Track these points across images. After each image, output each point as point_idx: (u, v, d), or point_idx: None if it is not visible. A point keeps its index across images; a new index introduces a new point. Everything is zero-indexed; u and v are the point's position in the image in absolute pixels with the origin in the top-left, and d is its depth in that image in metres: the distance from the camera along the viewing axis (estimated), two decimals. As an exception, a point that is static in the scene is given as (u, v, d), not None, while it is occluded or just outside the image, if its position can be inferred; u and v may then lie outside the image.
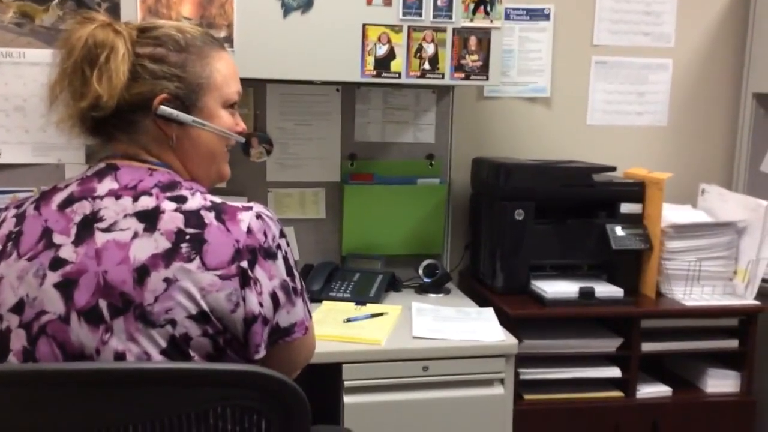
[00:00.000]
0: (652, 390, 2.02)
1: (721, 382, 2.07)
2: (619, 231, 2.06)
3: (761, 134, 2.43)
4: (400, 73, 1.93)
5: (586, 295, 1.98)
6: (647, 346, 2.00)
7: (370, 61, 1.91)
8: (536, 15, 2.34)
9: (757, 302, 2.06)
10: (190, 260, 0.98)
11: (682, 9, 2.42)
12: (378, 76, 1.92)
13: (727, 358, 2.08)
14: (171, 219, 1.01)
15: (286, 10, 1.85)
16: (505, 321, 1.89)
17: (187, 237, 1.00)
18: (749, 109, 2.43)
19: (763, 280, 2.16)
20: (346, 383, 1.69)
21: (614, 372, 1.99)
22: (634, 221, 2.09)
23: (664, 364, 2.19)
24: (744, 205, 2.17)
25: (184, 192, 1.07)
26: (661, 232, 2.09)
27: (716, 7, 2.45)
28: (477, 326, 1.85)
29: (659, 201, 2.09)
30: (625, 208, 2.09)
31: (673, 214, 2.15)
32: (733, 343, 2.06)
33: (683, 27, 2.43)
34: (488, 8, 1.93)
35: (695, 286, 2.10)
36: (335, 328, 1.81)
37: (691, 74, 2.47)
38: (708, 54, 2.47)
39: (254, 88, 2.18)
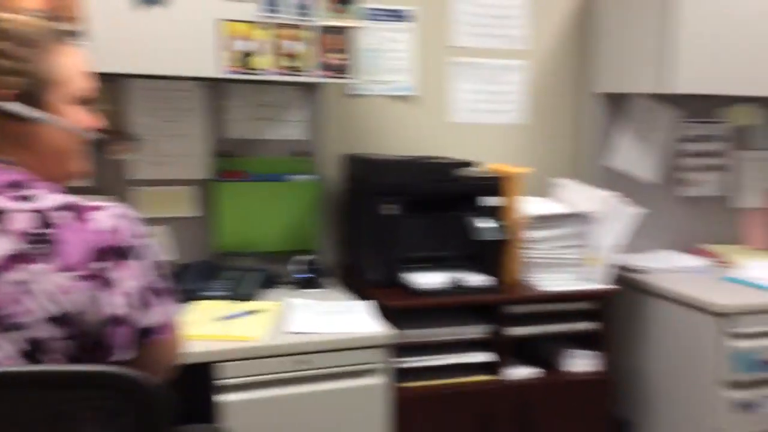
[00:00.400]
0: (521, 372, 2.13)
1: (582, 362, 2.21)
2: (481, 223, 2.15)
3: (604, 130, 2.62)
4: (263, 70, 1.92)
5: (457, 284, 2.06)
6: (514, 331, 2.11)
7: (232, 56, 1.89)
8: (399, 16, 2.41)
9: (610, 286, 2.22)
10: (43, 261, 0.95)
11: (533, 13, 2.57)
12: (240, 72, 1.90)
13: (587, 339, 2.22)
14: (22, 219, 0.97)
15: (142, 2, 1.80)
16: (382, 312, 1.93)
17: (41, 237, 0.96)
18: (593, 107, 2.61)
19: (618, 267, 2.35)
20: (224, 382, 1.67)
21: (486, 357, 2.08)
22: (495, 213, 2.19)
23: (532, 347, 2.31)
24: (596, 197, 2.34)
25: (37, 191, 1.02)
26: (521, 223, 2.21)
27: (564, 12, 2.63)
28: (353, 319, 1.88)
29: (519, 194, 2.22)
30: (487, 201, 2.19)
31: (532, 206, 2.28)
32: (591, 325, 2.21)
33: (535, 30, 2.58)
34: (347, 7, 1.96)
35: (553, 272, 2.24)
36: (211, 326, 1.77)
37: (542, 75, 2.63)
38: (558, 56, 2.64)
39: (115, 84, 2.09)
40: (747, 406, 2.09)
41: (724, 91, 2.36)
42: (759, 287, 2.24)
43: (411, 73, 2.46)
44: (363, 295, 2.09)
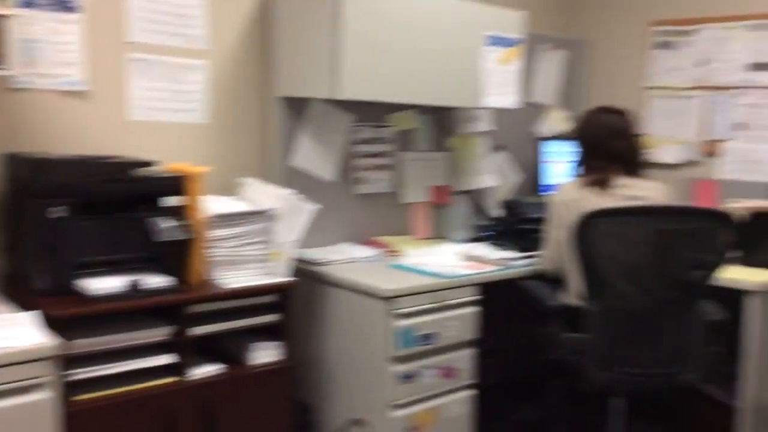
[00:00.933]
0: (205, 371, 2.15)
1: (266, 354, 2.30)
2: (162, 223, 2.12)
3: (288, 132, 2.76)
4: None
5: (135, 288, 2.01)
6: (198, 330, 2.13)
7: None
8: (65, 7, 2.25)
9: (290, 279, 2.35)
10: None
11: (212, 14, 2.59)
12: None
13: (272, 331, 2.32)
14: None
15: None
16: (51, 322, 1.81)
17: None
18: (277, 109, 2.73)
19: (299, 260, 2.49)
20: None
21: (169, 359, 2.06)
22: (176, 213, 2.17)
23: (218, 344, 2.34)
24: (277, 195, 2.45)
25: None
26: (204, 222, 2.23)
27: (243, 16, 2.69)
28: (12, 332, 1.72)
29: (201, 193, 2.23)
30: (168, 201, 2.17)
31: (216, 205, 2.31)
32: (274, 317, 2.31)
33: (215, 31, 2.61)
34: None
35: (238, 269, 2.29)
36: None
37: (226, 75, 2.67)
38: (240, 57, 2.69)
39: None
40: (409, 377, 2.37)
41: (385, 98, 2.63)
42: (419, 272, 2.55)
43: (82, 67, 2.32)
44: (28, 305, 1.92)
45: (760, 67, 3.18)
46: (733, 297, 2.54)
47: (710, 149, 3.35)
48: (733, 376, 2.65)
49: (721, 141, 3.31)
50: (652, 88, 3.56)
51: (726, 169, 3.28)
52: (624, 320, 2.29)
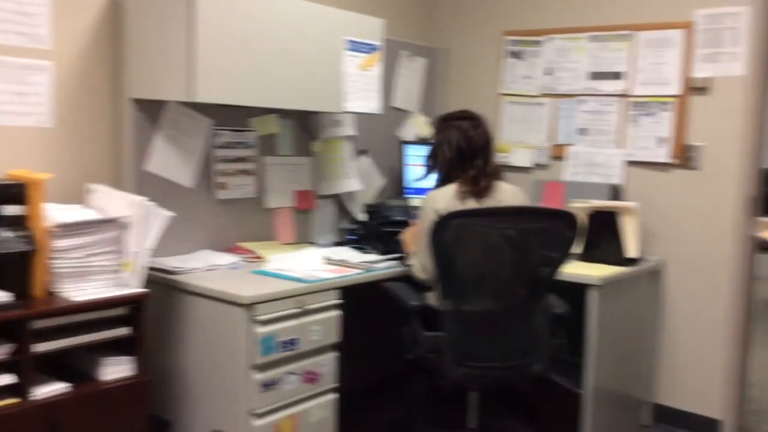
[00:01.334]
0: (49, 390, 2.04)
1: (117, 369, 2.21)
2: (0, 234, 1.99)
3: (142, 136, 2.66)
4: None
5: (-33, 305, 1.87)
6: (42, 347, 2.01)
7: None
8: None
9: (143, 290, 2.27)
10: None
11: (57, 13, 2.46)
12: None
13: (124, 344, 2.23)
14: None
15: None
16: None
17: None
18: (129, 112, 2.63)
19: (153, 270, 2.41)
20: None
21: (9, 379, 1.94)
22: (16, 223, 2.05)
23: (65, 361, 2.22)
24: (128, 202, 2.35)
25: None
26: (47, 232, 2.10)
27: (92, 14, 2.56)
28: None
29: (43, 201, 2.11)
30: (7, 210, 2.04)
31: (60, 213, 2.19)
32: (125, 331, 2.22)
33: (61, 31, 2.47)
34: None
35: (86, 281, 2.19)
36: None
37: (73, 77, 2.53)
38: (89, 58, 2.56)
39: None
40: (270, 384, 2.35)
41: (243, 102, 2.60)
42: (281, 277, 2.53)
43: None
44: None
45: (599, 75, 3.43)
46: (573, 290, 2.72)
47: (557, 153, 3.57)
48: (576, 365, 2.84)
49: (566, 145, 3.54)
50: (505, 94, 3.74)
51: (570, 171, 3.51)
52: (477, 317, 2.39)
